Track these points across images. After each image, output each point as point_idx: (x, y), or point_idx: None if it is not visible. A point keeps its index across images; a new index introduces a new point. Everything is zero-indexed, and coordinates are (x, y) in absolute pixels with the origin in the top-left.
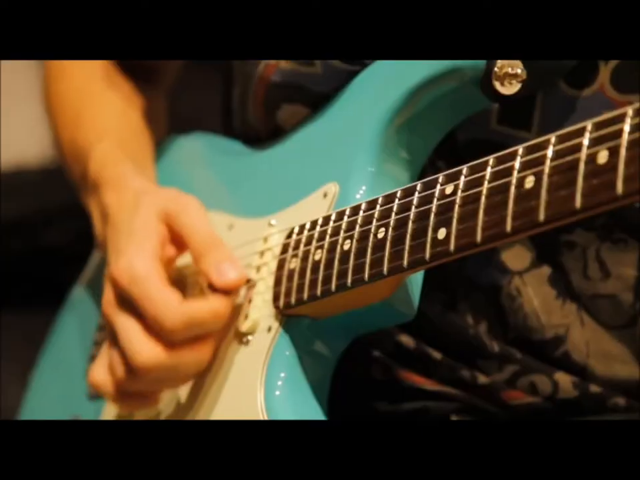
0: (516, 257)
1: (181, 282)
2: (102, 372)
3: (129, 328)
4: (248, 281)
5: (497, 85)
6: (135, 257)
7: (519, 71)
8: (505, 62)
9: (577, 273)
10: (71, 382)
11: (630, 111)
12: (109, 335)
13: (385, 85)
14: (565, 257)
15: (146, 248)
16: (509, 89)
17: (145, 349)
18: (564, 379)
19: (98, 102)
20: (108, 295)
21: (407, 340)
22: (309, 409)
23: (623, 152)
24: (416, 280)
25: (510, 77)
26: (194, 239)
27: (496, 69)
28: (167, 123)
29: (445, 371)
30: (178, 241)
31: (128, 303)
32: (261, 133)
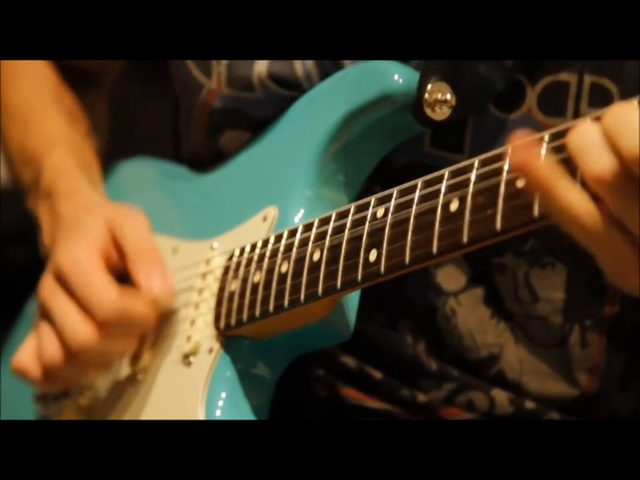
0: (451, 278)
1: None
2: (27, 357)
3: (67, 309)
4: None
5: (428, 111)
6: (81, 249)
7: (448, 96)
8: (434, 87)
9: (509, 295)
10: (23, 395)
11: (546, 136)
12: (40, 319)
13: (320, 111)
14: (497, 279)
15: (91, 244)
16: (439, 114)
17: (82, 328)
18: (500, 396)
19: (45, 115)
20: (47, 279)
21: (348, 360)
22: None
23: None
24: (352, 301)
25: (440, 102)
26: (130, 247)
27: (426, 95)
28: (109, 127)
29: (386, 390)
30: (120, 251)
31: (66, 289)
32: (205, 157)
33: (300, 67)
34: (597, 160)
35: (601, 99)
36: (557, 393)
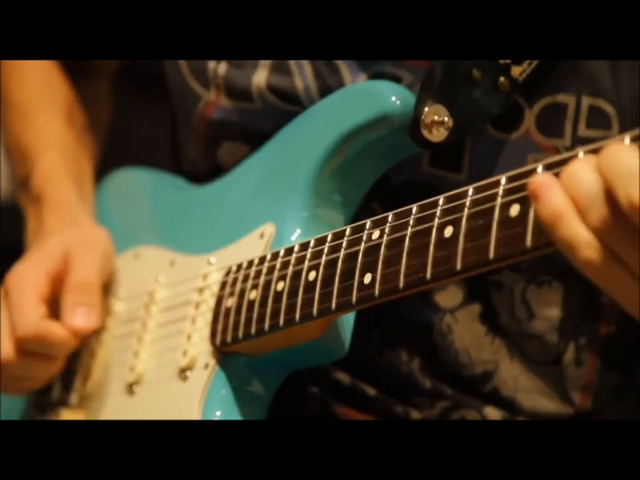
0: (448, 295)
1: None
2: None
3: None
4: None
5: (425, 132)
6: (30, 268)
7: (445, 118)
8: (431, 109)
9: (505, 312)
10: (19, 404)
11: (540, 167)
12: None
13: (317, 130)
14: (494, 296)
15: (43, 265)
16: (436, 136)
17: (4, 343)
18: (493, 414)
19: (44, 113)
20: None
21: (342, 376)
22: None
23: (532, 206)
24: (347, 319)
25: (437, 124)
26: (70, 280)
27: (423, 116)
28: (109, 116)
29: (379, 406)
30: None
31: (6, 303)
32: (202, 171)
33: (299, 79)
34: (593, 210)
35: (599, 121)
36: (550, 411)
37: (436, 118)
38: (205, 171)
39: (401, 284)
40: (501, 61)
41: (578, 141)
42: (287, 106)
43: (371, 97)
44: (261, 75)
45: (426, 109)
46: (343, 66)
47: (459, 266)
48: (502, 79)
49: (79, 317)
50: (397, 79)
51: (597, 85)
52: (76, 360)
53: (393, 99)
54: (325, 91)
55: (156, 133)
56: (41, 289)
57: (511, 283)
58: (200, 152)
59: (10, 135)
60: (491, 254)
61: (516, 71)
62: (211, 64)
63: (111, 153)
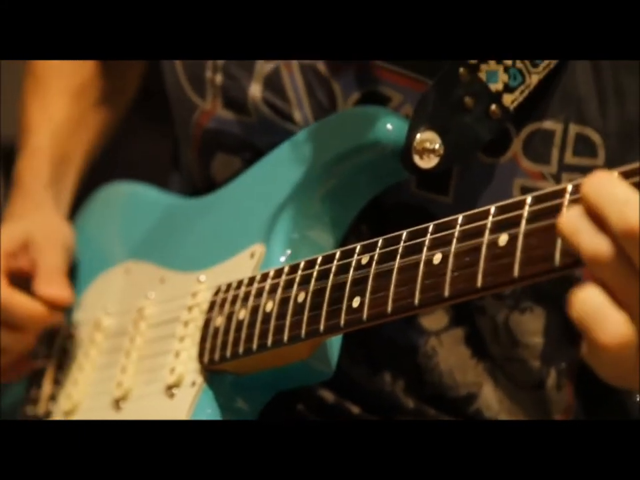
0: (433, 318)
1: None
2: None
3: None
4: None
5: (417, 158)
6: None
7: (437, 145)
8: (424, 137)
9: (489, 337)
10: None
11: (529, 199)
12: None
13: (311, 153)
14: (478, 321)
15: (4, 247)
16: (427, 162)
17: None
18: None
19: (55, 81)
20: None
21: (327, 395)
22: None
23: (520, 237)
24: (335, 341)
25: (428, 151)
26: (39, 268)
27: (415, 143)
28: (137, 85)
29: None
30: (30, 263)
31: None
32: (197, 184)
33: (292, 94)
34: (589, 242)
35: (585, 149)
36: None
37: (427, 145)
38: (201, 184)
39: (389, 309)
40: (493, 89)
41: (564, 168)
42: (279, 119)
43: (363, 122)
44: (255, 88)
45: (418, 135)
46: (336, 84)
47: (446, 293)
48: (493, 106)
49: (54, 288)
50: (386, 99)
51: (585, 113)
52: (63, 373)
53: (386, 125)
54: (318, 105)
55: (154, 147)
56: (3, 269)
57: (494, 310)
58: (196, 162)
59: (23, 101)
60: (479, 282)
61: (507, 99)
62: (208, 74)
63: (106, 166)
